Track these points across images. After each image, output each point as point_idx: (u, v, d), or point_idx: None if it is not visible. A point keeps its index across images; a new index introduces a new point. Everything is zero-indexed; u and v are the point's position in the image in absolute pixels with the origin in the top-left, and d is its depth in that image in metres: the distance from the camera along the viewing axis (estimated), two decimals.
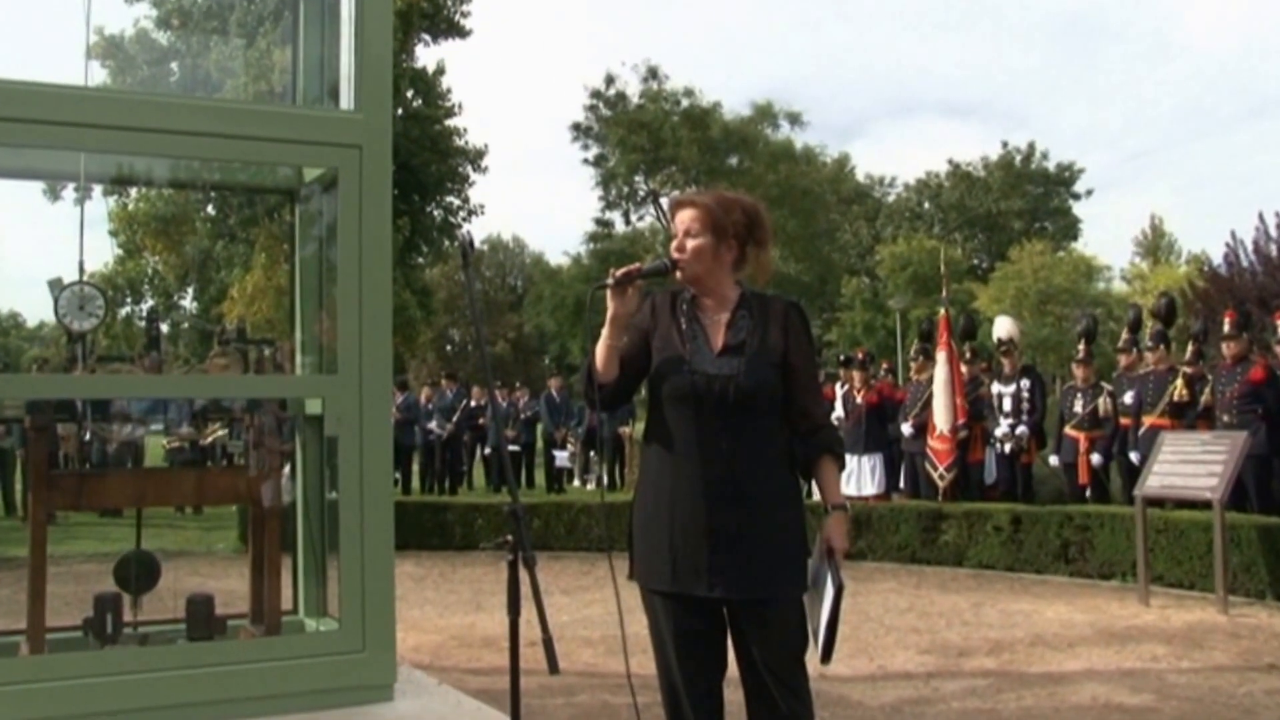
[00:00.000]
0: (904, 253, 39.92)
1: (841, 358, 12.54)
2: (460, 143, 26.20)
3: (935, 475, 10.03)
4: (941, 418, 10.02)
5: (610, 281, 2.82)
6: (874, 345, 33.83)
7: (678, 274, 2.85)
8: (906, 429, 10.78)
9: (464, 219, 26.72)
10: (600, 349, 2.85)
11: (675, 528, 2.77)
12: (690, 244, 2.83)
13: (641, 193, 41.76)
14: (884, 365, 13.95)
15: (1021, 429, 10.10)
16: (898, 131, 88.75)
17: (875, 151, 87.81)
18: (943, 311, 10.44)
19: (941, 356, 10.14)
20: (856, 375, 11.46)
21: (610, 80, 40.36)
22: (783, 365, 2.80)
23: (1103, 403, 9.83)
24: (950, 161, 50.26)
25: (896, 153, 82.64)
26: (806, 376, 2.84)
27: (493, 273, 62.32)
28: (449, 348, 57.12)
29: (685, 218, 2.86)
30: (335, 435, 3.53)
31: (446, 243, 26.77)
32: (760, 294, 2.91)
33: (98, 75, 21.33)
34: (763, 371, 2.77)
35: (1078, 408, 9.94)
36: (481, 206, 27.47)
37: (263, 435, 3.90)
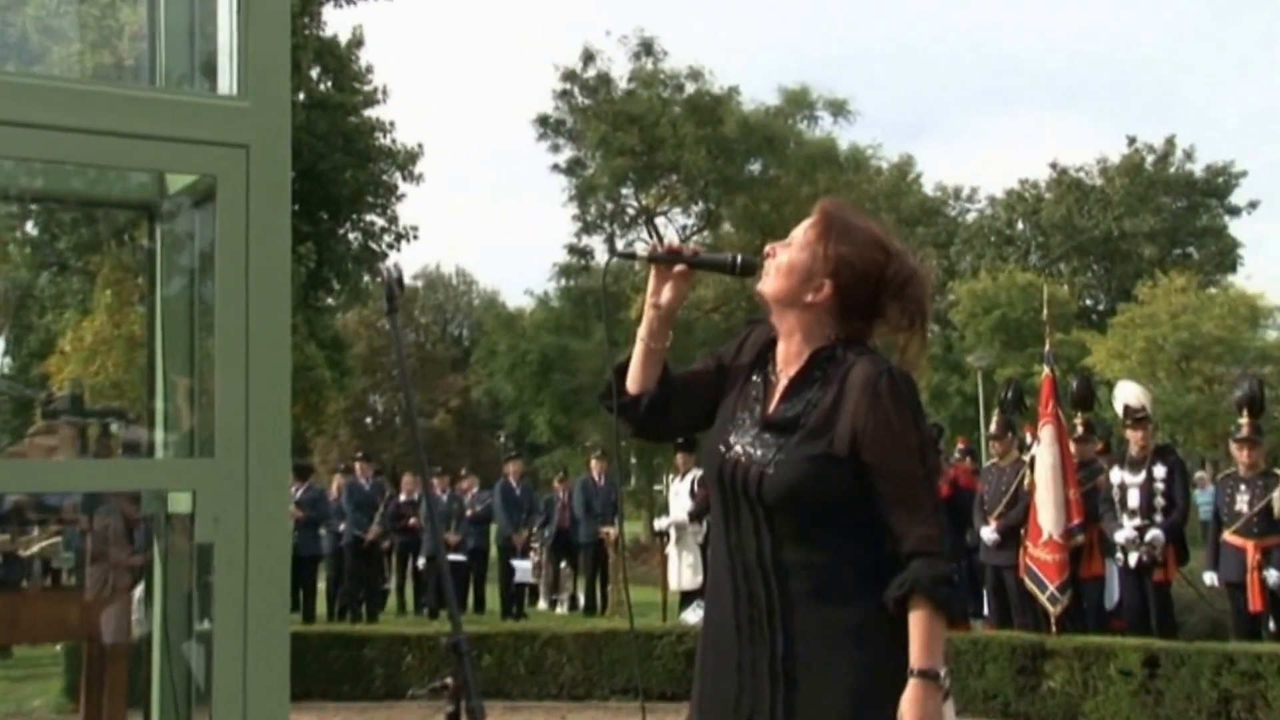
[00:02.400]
0: (988, 290, 40.26)
1: None
2: (385, 141, 26.49)
3: (1043, 597, 9.98)
4: (1048, 517, 9.99)
5: (642, 251, 3.09)
6: (946, 417, 34.00)
7: (759, 287, 3.00)
8: (988, 533, 10.78)
9: (390, 245, 26.96)
10: (636, 349, 3.08)
11: (708, 645, 2.95)
12: (784, 254, 2.98)
13: (631, 210, 41.95)
14: (960, 444, 14.02)
15: (1154, 533, 10.05)
16: (980, 126, 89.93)
17: (949, 153, 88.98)
18: (1045, 371, 10.47)
19: (1046, 433, 10.13)
20: None
21: (589, 57, 40.64)
22: (851, 459, 2.80)
23: (1278, 498, 9.79)
24: (1054, 166, 50.62)
25: (978, 155, 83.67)
26: (894, 478, 2.80)
27: (429, 319, 62.56)
28: (369, 420, 57.12)
29: (805, 224, 3.03)
30: (209, 542, 3.48)
31: (366, 278, 26.87)
32: (854, 347, 2.94)
33: None
34: (806, 466, 2.81)
35: (1241, 505, 9.89)
36: (414, 229, 27.81)
37: (105, 544, 3.86)
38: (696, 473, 13.88)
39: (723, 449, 2.93)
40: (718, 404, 3.07)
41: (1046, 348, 11.06)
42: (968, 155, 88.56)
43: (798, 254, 2.94)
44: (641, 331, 3.08)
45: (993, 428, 11.69)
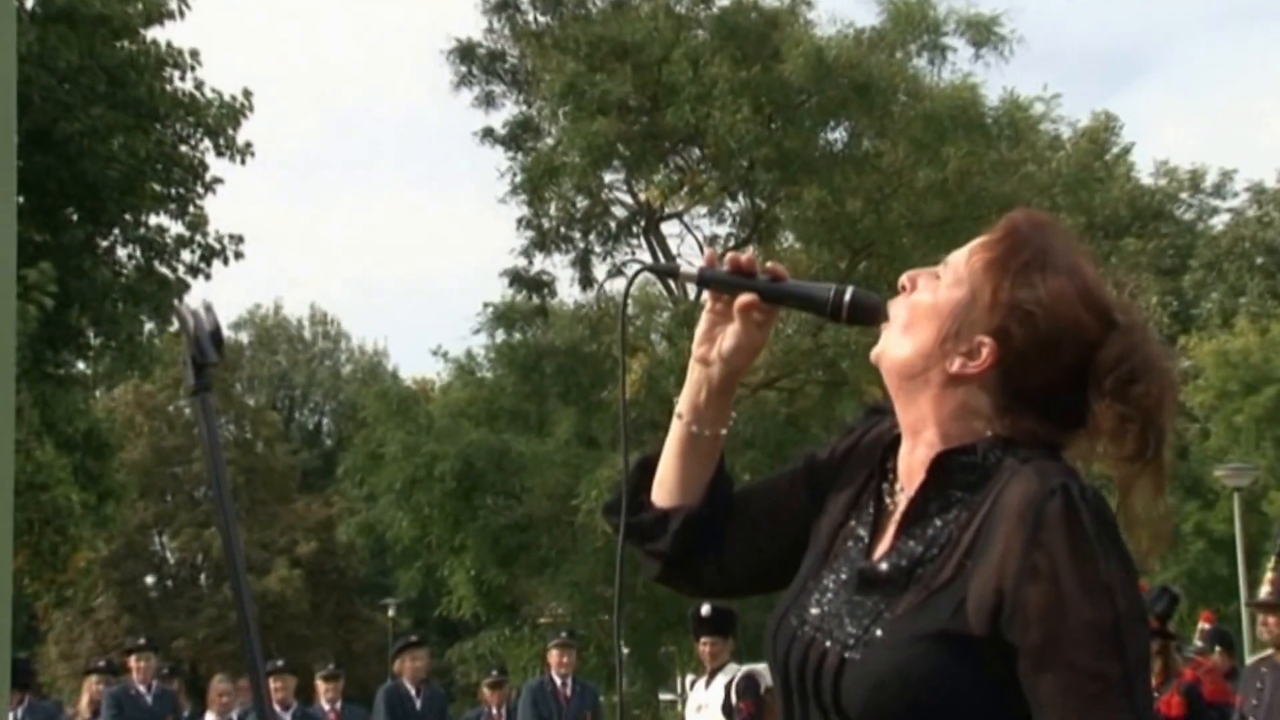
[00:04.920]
0: (1252, 352, 40.17)
1: None
2: (184, 86, 26.55)
3: None
4: None
5: (687, 267, 2.99)
6: (1180, 574, 33.86)
7: (878, 350, 2.95)
8: None
9: (193, 269, 26.90)
10: (671, 435, 3.04)
11: None
12: (925, 290, 2.93)
13: (620, 210, 42.06)
14: (1203, 622, 13.99)
15: None
16: (1235, 63, 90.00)
17: (1180, 112, 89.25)
18: None
19: None
20: None
21: None
22: (992, 641, 2.73)
23: None
24: None
25: (1234, 115, 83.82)
26: (1064, 677, 2.69)
27: (264, 398, 62.41)
28: (151, 581, 56.72)
29: (973, 244, 2.95)
30: None
31: (148, 326, 26.81)
32: (1015, 449, 2.86)
33: None
34: (912, 651, 2.75)
35: None
36: (236, 240, 27.73)
37: None
38: (733, 671, 13.81)
39: (794, 620, 2.89)
40: (804, 545, 3.04)
41: None
42: (1214, 116, 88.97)
43: (948, 292, 2.89)
44: (681, 406, 3.04)
45: (1264, 592, 11.61)
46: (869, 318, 2.96)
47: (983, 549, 2.75)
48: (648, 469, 3.12)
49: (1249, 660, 12.04)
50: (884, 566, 2.83)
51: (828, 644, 2.79)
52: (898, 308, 2.92)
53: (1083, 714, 2.66)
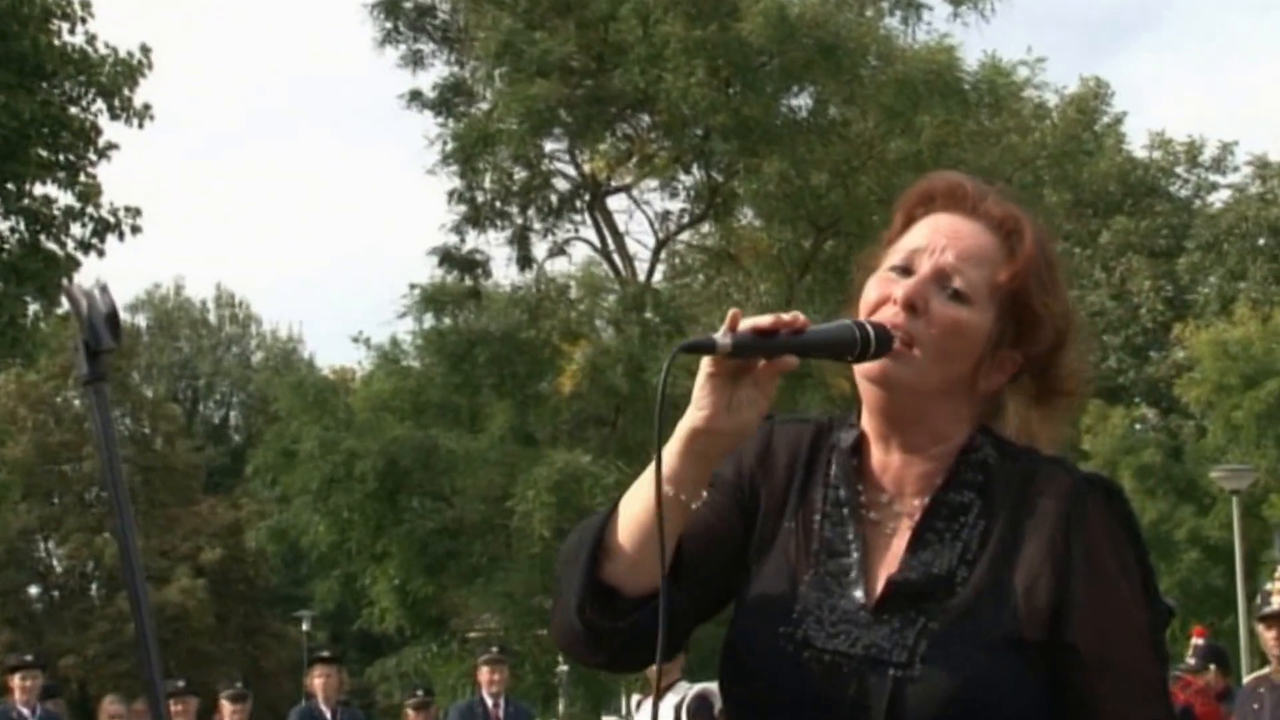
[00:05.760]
0: (1251, 341, 40.25)
1: None
2: (73, 43, 26.44)
3: None
4: None
5: (721, 339, 2.76)
6: (1171, 586, 34.04)
7: (892, 372, 2.89)
8: None
9: (84, 244, 26.75)
10: (639, 498, 2.90)
11: None
12: (942, 311, 2.88)
13: (563, 184, 42.02)
14: (1195, 637, 14.07)
15: None
16: (1233, 26, 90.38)
17: (1178, 81, 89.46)
18: None
19: None
20: None
21: None
22: (1048, 645, 2.78)
23: None
24: None
25: (1235, 84, 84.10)
26: (1120, 682, 2.81)
27: (164, 389, 62.26)
28: (35, 592, 56.55)
29: (959, 244, 2.93)
30: None
31: (33, 308, 26.68)
32: (1015, 450, 2.95)
33: None
34: (985, 663, 2.78)
35: None
36: (133, 213, 27.54)
37: None
38: (684, 691, 13.79)
39: (786, 647, 2.84)
40: (735, 568, 3.01)
41: None
42: (1213, 83, 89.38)
43: (980, 316, 2.88)
44: (672, 482, 2.79)
45: (1276, 603, 11.59)
46: (890, 346, 2.86)
47: (1018, 551, 2.82)
48: (599, 545, 2.88)
49: (1245, 679, 12.03)
50: (911, 578, 2.84)
51: (862, 667, 2.79)
52: (922, 328, 2.85)
53: (1135, 715, 2.80)
